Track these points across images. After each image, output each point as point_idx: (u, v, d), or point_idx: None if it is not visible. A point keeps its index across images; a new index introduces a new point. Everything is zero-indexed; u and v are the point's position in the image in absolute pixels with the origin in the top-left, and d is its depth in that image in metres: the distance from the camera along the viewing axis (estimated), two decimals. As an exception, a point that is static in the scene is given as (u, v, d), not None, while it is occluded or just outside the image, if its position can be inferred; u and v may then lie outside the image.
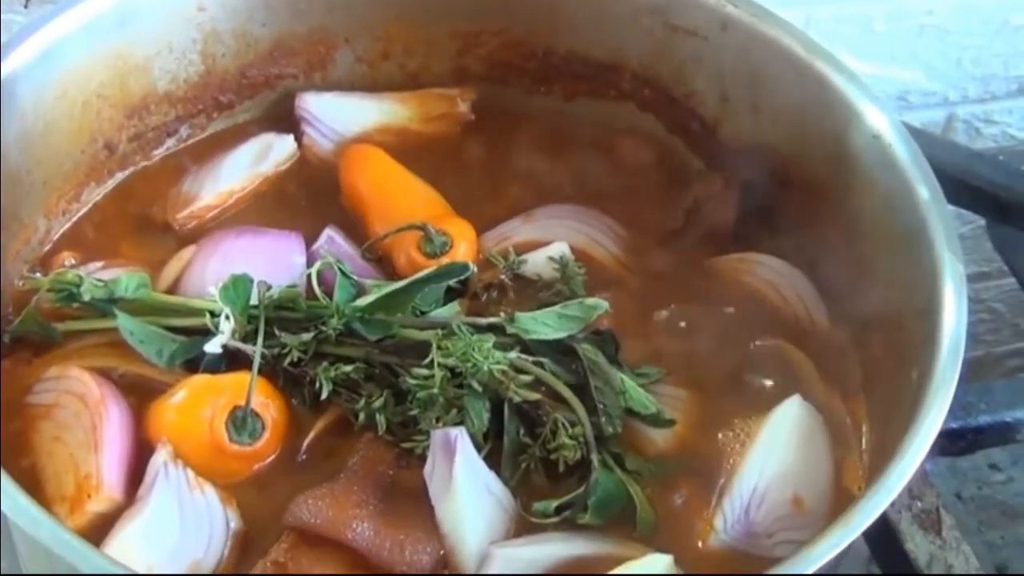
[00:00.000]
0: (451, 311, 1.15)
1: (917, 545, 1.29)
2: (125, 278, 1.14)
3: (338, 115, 1.34)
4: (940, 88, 1.80)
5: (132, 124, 1.29)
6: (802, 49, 1.23)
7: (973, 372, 1.07)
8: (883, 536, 1.31)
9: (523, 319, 1.11)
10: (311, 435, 1.11)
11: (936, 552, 1.29)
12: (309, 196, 1.30)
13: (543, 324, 1.12)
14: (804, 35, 1.24)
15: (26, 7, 1.41)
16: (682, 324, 1.20)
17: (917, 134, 1.18)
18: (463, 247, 1.22)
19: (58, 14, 1.19)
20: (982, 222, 1.70)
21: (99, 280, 1.14)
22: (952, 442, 1.34)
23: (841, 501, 1.09)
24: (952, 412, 1.00)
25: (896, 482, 0.94)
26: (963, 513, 1.77)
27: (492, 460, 1.07)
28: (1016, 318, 2.11)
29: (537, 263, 1.22)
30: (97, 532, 1.02)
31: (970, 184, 1.47)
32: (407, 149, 1.33)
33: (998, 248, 1.66)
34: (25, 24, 1.25)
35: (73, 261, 1.22)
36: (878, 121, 1.17)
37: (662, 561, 1.01)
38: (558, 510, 1.06)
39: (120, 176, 1.31)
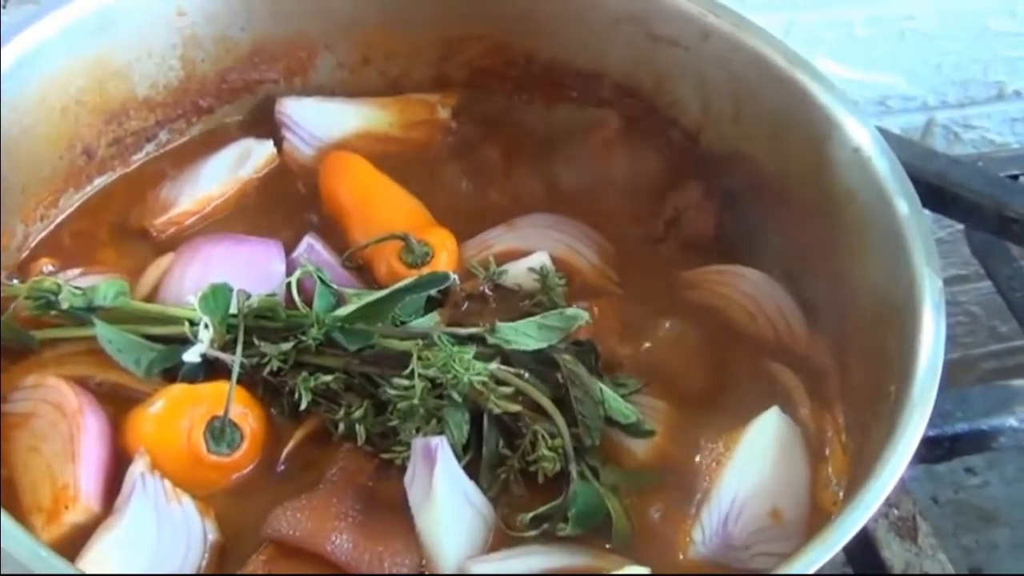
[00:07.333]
0: (431, 321, 1.15)
1: (894, 553, 1.29)
2: (104, 286, 1.13)
3: (318, 120, 1.33)
4: (920, 93, 1.80)
5: (111, 130, 1.28)
6: (783, 60, 1.23)
7: (950, 374, 1.06)
8: (860, 543, 1.31)
9: (503, 329, 1.11)
10: (290, 445, 1.10)
11: (912, 559, 1.29)
12: (289, 203, 1.30)
13: (523, 335, 1.11)
14: (785, 46, 1.24)
15: (4, 7, 1.40)
16: (661, 335, 1.20)
17: (895, 140, 1.18)
18: (444, 257, 1.22)
19: (37, 19, 1.18)
20: (960, 226, 1.71)
21: (77, 288, 1.13)
22: (929, 450, 1.33)
23: (819, 514, 1.09)
24: (930, 420, 1.01)
25: (873, 499, 0.95)
26: (939, 517, 1.78)
27: (471, 471, 1.07)
28: (992, 321, 2.12)
29: (518, 273, 1.22)
30: (74, 543, 1.02)
31: (948, 191, 1.48)
32: (388, 155, 1.32)
33: (975, 252, 1.67)
34: (4, 27, 1.24)
35: (51, 268, 1.21)
36: (858, 134, 1.17)
37: (639, 573, 1.01)
38: (536, 521, 1.06)
39: (99, 182, 1.30)
